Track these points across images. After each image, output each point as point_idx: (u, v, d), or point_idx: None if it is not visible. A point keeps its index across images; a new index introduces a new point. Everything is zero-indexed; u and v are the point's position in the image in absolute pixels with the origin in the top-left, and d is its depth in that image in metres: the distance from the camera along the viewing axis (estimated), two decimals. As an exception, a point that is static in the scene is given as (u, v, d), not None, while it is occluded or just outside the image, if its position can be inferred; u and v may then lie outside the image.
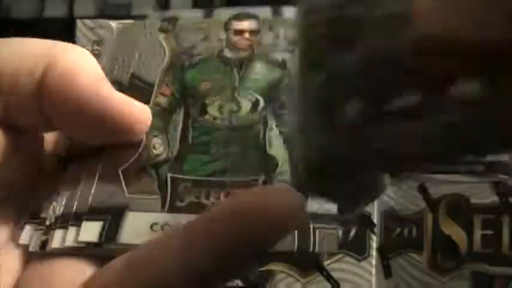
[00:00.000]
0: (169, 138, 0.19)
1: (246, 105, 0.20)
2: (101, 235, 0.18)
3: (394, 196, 0.33)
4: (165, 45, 0.22)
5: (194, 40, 0.22)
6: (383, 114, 0.15)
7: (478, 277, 0.34)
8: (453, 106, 0.14)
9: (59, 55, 0.19)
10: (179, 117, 0.20)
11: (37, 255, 0.19)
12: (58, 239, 0.18)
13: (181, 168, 0.19)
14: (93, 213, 0.18)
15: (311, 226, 0.17)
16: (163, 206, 0.18)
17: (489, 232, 0.34)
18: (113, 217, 0.18)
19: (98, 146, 0.19)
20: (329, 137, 0.15)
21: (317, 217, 0.18)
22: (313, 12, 0.15)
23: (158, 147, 0.19)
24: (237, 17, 0.22)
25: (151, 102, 0.20)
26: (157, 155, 0.19)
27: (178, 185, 0.18)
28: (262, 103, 0.20)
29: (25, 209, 0.20)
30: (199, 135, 0.19)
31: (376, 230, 0.33)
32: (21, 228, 0.19)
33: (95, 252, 0.18)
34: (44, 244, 0.18)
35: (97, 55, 0.35)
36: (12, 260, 0.19)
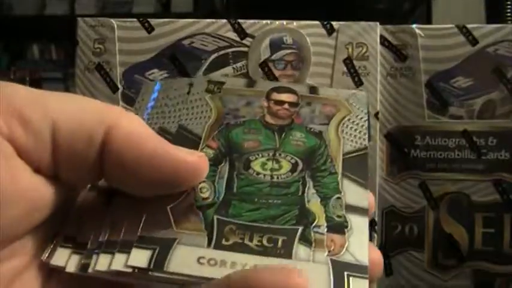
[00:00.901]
0: (216, 185, 0.21)
1: (286, 166, 0.22)
2: (149, 262, 0.19)
3: (395, 194, 0.33)
4: (211, 104, 0.24)
5: (238, 104, 0.24)
6: None
7: (479, 275, 0.34)
8: None
9: (116, 119, 0.19)
10: (225, 168, 0.22)
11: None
12: (104, 263, 0.19)
13: (227, 212, 0.21)
14: (142, 242, 0.20)
15: None
16: (209, 243, 0.20)
17: (490, 230, 0.34)
18: (162, 247, 0.19)
19: None
20: None
21: None
22: None
23: (205, 191, 0.21)
24: (277, 90, 0.25)
25: None
26: (205, 198, 0.21)
27: (224, 227, 0.20)
28: (301, 165, 0.22)
29: (55, 232, 0.20)
30: (244, 186, 0.22)
31: (377, 228, 0.33)
32: (50, 250, 0.19)
33: (140, 278, 0.19)
34: (84, 267, 0.19)
35: (99, 53, 0.35)
36: (34, 278, 0.19)
